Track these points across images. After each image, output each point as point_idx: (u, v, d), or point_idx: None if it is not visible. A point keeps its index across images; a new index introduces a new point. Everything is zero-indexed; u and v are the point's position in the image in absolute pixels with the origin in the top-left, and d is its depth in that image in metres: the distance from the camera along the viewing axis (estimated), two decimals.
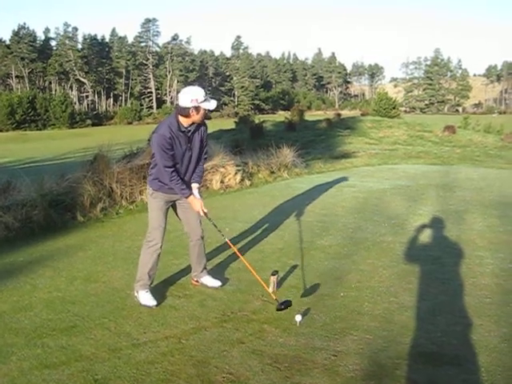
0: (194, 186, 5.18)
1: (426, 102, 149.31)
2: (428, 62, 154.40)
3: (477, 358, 3.88)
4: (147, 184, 5.33)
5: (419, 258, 6.27)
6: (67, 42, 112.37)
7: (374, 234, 7.44)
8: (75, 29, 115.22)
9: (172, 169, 4.92)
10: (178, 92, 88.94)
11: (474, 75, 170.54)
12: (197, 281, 5.52)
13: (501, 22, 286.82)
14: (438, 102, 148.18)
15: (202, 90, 4.94)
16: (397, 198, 10.13)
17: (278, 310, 4.66)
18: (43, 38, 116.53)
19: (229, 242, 5.39)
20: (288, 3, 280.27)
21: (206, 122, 5.17)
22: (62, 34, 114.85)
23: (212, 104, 4.91)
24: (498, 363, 3.80)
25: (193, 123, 4.94)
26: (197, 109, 4.81)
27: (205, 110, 4.90)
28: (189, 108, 4.79)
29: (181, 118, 4.89)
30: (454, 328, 4.40)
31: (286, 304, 4.68)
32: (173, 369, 3.79)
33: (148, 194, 5.30)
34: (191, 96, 4.79)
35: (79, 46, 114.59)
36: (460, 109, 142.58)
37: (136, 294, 5.08)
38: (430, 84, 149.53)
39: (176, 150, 4.90)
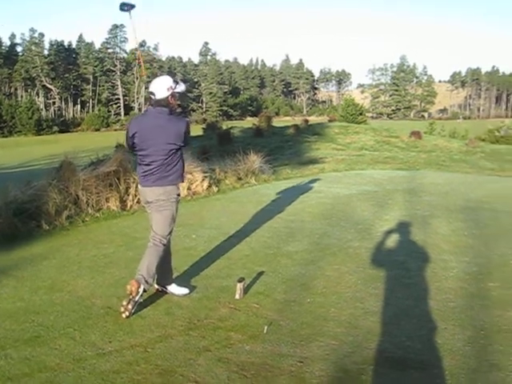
0: None
1: (393, 108, 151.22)
2: (394, 69, 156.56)
3: (441, 362, 3.92)
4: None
5: (385, 263, 6.31)
6: (33, 48, 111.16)
7: (340, 240, 7.45)
8: (41, 35, 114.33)
9: None
10: (145, 98, 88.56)
11: (439, 81, 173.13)
12: (158, 289, 5.47)
13: (464, 29, 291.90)
14: (405, 107, 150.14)
15: (170, 77, 5.19)
16: (363, 204, 10.18)
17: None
18: (9, 43, 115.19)
19: None
20: (255, 10, 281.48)
21: None
22: (28, 39, 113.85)
23: (182, 86, 5.16)
24: (462, 366, 3.84)
25: None
26: (173, 95, 5.02)
27: (177, 93, 5.09)
28: (167, 97, 4.97)
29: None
30: (418, 332, 4.44)
31: None
32: (138, 378, 3.75)
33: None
34: (166, 85, 5.00)
35: (46, 52, 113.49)
36: (426, 114, 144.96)
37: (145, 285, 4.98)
38: (397, 90, 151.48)
39: None
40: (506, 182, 14.94)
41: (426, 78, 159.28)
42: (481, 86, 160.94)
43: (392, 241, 7.43)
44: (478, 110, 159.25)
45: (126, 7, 6.34)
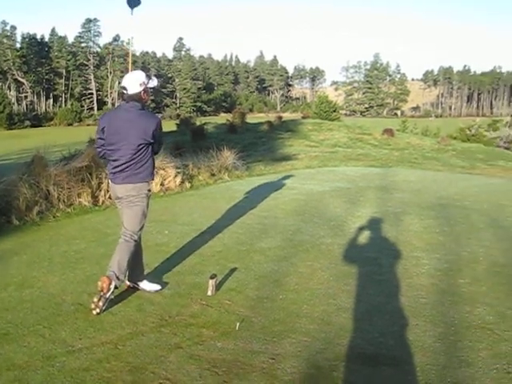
0: None
1: (366, 106, 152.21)
2: (368, 67, 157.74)
3: (413, 358, 3.95)
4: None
5: (357, 260, 6.34)
6: (5, 40, 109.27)
7: (313, 236, 7.47)
8: (13, 27, 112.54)
9: None
10: (119, 93, 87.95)
11: (412, 79, 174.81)
12: (129, 286, 5.42)
13: (436, 28, 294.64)
14: (378, 105, 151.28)
15: (142, 72, 5.19)
16: (336, 200, 10.21)
17: None
18: None
19: None
20: (230, 6, 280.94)
21: None
22: None
23: (155, 81, 5.16)
24: (432, 362, 3.88)
25: None
26: (146, 91, 5.00)
27: (150, 88, 5.09)
28: (140, 92, 4.94)
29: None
30: (390, 328, 4.46)
31: None
32: (109, 376, 3.70)
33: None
34: (139, 80, 4.97)
35: (18, 46, 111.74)
36: (398, 112, 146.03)
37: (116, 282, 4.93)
38: (370, 88, 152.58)
39: None
40: (476, 179, 15.11)
41: (399, 76, 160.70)
42: (453, 84, 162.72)
43: (364, 237, 7.47)
44: (450, 108, 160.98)
45: (135, 3, 6.28)
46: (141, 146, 4.94)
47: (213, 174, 13.26)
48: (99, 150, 5.19)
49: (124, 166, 4.99)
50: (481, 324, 4.54)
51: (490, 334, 4.34)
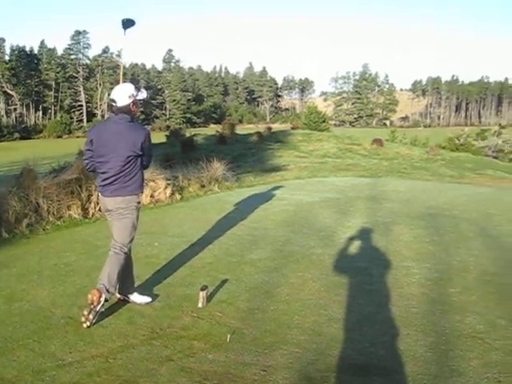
0: None
1: (355, 116, 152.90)
2: (357, 77, 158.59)
3: (404, 368, 3.94)
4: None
5: (348, 270, 6.34)
6: None
7: (303, 247, 7.47)
8: (2, 40, 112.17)
9: None
10: (108, 105, 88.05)
11: (401, 90, 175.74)
12: (119, 298, 5.40)
13: (425, 38, 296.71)
14: (367, 115, 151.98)
15: (131, 84, 5.18)
16: (326, 211, 10.23)
17: None
18: None
19: None
20: (219, 18, 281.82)
21: None
22: None
23: (144, 93, 5.17)
24: (424, 372, 3.87)
25: None
26: (135, 103, 5.01)
27: (139, 101, 5.11)
28: (129, 104, 4.95)
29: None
30: (381, 338, 4.46)
31: None
32: None
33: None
34: (128, 93, 4.98)
35: (6, 58, 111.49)
36: (387, 122, 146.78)
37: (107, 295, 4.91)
38: (359, 98, 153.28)
39: None
40: (465, 189, 15.19)
41: (387, 86, 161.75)
42: (441, 94, 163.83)
43: (354, 247, 7.48)
44: (439, 118, 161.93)
45: (129, 24, 6.28)
46: (130, 159, 4.93)
47: (203, 186, 13.25)
48: (87, 161, 5.18)
49: (113, 179, 4.98)
50: (471, 333, 4.55)
51: (481, 343, 4.34)
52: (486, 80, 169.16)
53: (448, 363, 4.02)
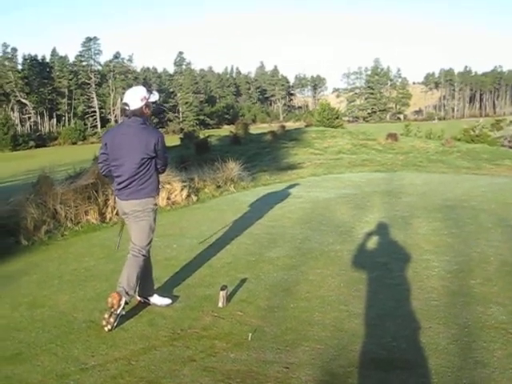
0: None
1: (369, 111, 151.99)
2: (368, 72, 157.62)
3: (427, 361, 3.93)
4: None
5: (367, 265, 6.32)
6: (7, 63, 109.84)
7: (321, 244, 7.46)
8: (14, 49, 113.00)
9: None
10: (121, 110, 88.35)
11: (414, 83, 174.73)
12: (140, 301, 5.42)
13: (436, 30, 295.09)
14: (380, 110, 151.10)
15: (143, 87, 5.26)
16: (343, 207, 10.20)
17: None
18: None
19: None
20: (228, 18, 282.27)
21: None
22: (0, 55, 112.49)
23: (156, 95, 5.21)
24: (447, 364, 3.85)
25: None
26: (147, 105, 5.06)
27: (151, 103, 5.16)
28: (141, 107, 4.99)
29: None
30: (403, 332, 4.44)
31: None
32: None
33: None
34: (140, 95, 5.02)
35: (19, 67, 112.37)
36: (401, 116, 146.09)
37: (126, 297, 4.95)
38: (372, 93, 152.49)
39: None
40: (482, 180, 15.05)
41: (400, 80, 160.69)
42: (454, 86, 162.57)
43: (373, 242, 7.45)
44: (453, 110, 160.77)
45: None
46: (143, 161, 4.95)
47: (218, 186, 13.26)
48: (101, 165, 5.23)
49: (128, 182, 5.01)
50: (494, 324, 4.52)
51: (504, 334, 4.31)
52: (499, 70, 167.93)
53: (471, 355, 4.00)
